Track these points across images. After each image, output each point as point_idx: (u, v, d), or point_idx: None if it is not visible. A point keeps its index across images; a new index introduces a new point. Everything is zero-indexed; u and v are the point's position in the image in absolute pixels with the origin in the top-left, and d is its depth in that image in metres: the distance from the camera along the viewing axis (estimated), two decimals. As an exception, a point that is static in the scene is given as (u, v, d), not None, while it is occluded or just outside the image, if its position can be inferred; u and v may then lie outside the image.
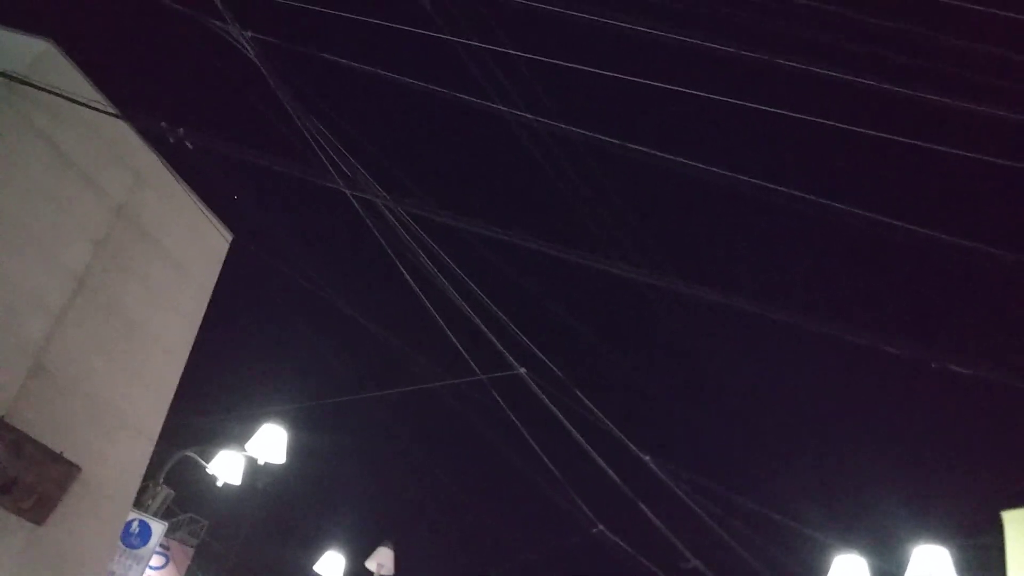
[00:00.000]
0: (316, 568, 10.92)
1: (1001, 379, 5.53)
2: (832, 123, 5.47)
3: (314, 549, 11.27)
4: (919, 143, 5.44)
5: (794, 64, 5.23)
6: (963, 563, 5.89)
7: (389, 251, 7.06)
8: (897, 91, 5.15)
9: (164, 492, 8.52)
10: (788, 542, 8.36)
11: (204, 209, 7.67)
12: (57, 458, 6.18)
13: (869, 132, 5.35)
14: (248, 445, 8.02)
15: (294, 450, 8.50)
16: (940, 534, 5.97)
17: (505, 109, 6.11)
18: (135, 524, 8.13)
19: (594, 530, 9.24)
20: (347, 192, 5.72)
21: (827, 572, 6.33)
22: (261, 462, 8.14)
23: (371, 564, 10.93)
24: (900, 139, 5.45)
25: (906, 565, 5.82)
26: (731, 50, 5.07)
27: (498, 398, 9.00)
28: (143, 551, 8.28)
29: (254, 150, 5.45)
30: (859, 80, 5.19)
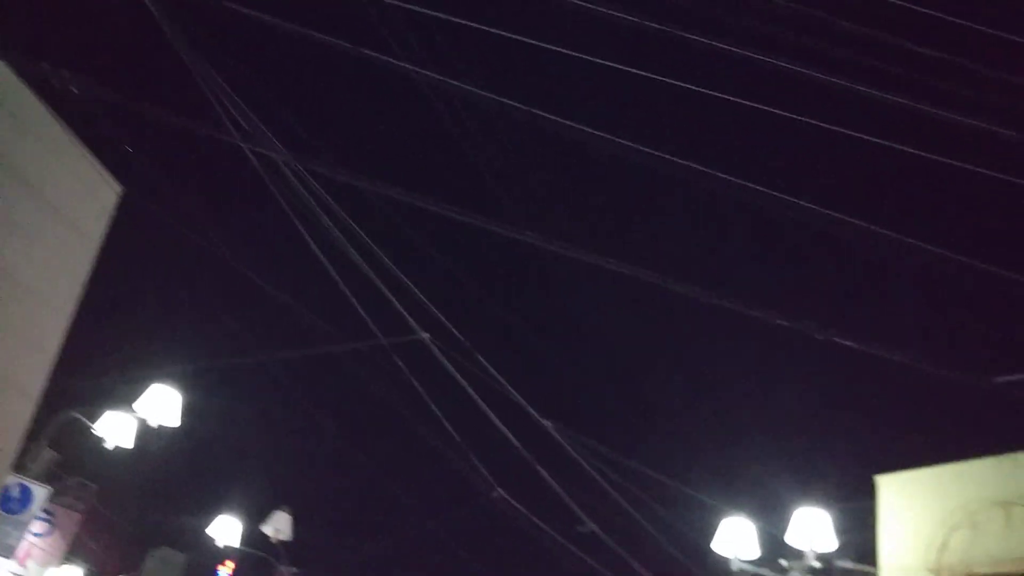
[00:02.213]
0: (209, 531, 10.71)
1: (880, 353, 5.79)
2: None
3: (209, 513, 11.04)
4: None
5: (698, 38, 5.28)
6: (842, 525, 6.19)
7: (288, 210, 6.87)
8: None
9: (48, 455, 8.16)
10: (681, 506, 8.61)
11: (92, 160, 7.28)
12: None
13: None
14: (136, 405, 7.72)
15: (190, 412, 8.25)
16: (821, 498, 6.25)
17: (419, 70, 5.97)
18: (15, 488, 7.79)
19: (494, 494, 9.32)
20: (244, 147, 5.52)
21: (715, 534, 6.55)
22: (154, 424, 7.86)
23: (267, 529, 10.79)
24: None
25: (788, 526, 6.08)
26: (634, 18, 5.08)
27: (400, 363, 8.93)
28: (23, 516, 7.93)
29: (146, 100, 5.19)
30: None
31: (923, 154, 5.60)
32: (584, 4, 5.23)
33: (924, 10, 5.30)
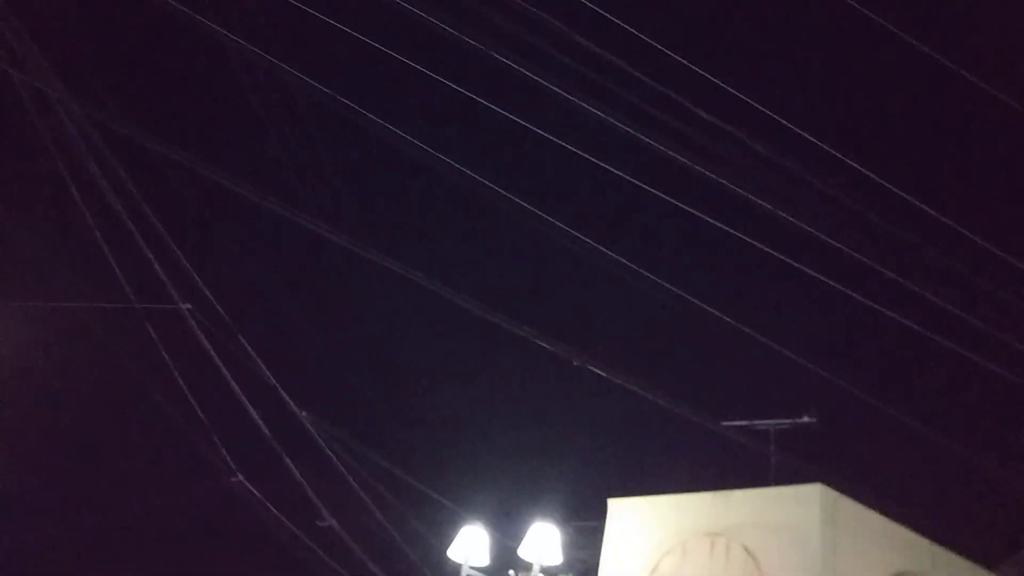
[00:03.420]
0: None
1: (627, 384, 6.27)
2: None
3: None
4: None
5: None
6: (574, 542, 6.61)
7: (53, 149, 6.28)
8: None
9: None
10: (427, 512, 8.77)
11: None
12: None
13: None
14: None
15: None
16: (558, 515, 6.65)
17: (228, 34, 5.69)
18: None
19: (233, 479, 8.97)
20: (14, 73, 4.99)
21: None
22: None
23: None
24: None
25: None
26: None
27: (151, 330, 8.38)
28: None
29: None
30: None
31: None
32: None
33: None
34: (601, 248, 6.15)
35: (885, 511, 5.81)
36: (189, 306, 7.97)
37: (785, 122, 5.86)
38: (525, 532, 6.42)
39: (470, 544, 6.64)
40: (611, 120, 5.55)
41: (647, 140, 5.64)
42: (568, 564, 6.41)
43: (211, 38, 5.81)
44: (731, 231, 6.11)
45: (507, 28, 5.60)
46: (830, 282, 6.09)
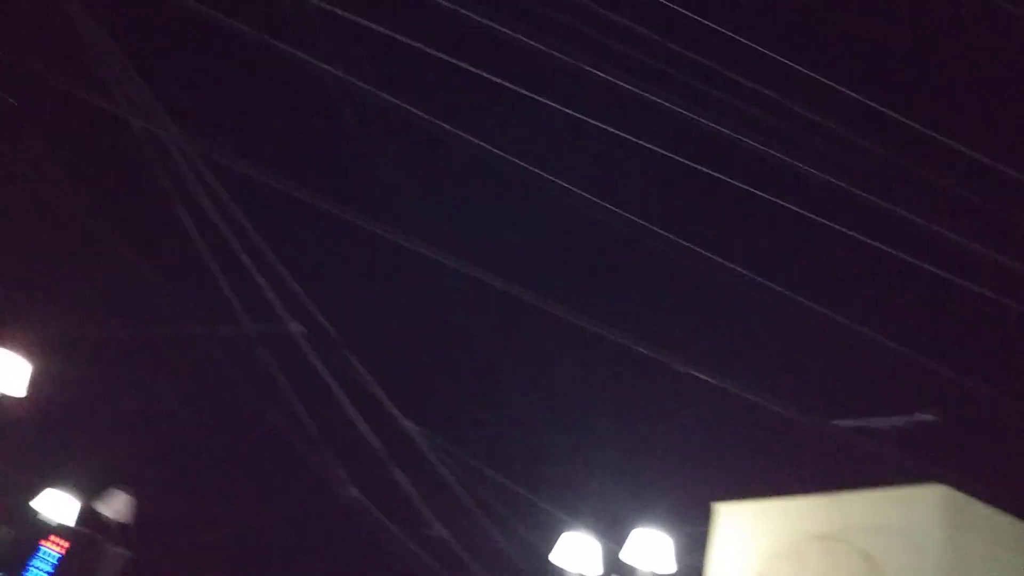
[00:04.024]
0: (35, 505, 10.22)
1: (733, 388, 6.20)
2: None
3: (39, 486, 10.52)
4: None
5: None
6: (684, 547, 6.55)
7: (167, 186, 6.68)
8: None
9: None
10: (533, 520, 8.85)
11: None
12: None
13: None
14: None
15: (37, 382, 7.83)
16: (665, 520, 6.61)
17: (331, 69, 5.96)
18: None
19: (347, 492, 9.29)
20: (129, 118, 5.36)
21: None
22: (-4, 392, 7.44)
23: (106, 509, 10.34)
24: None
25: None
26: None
27: (264, 353, 8.78)
28: None
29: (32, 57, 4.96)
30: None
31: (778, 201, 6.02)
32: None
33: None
34: (700, 250, 6.11)
35: (1020, 514, 5.54)
36: (300, 327, 8.33)
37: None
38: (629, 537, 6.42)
39: (574, 550, 6.68)
40: (719, 127, 5.52)
41: (749, 142, 5.59)
42: (678, 572, 6.36)
43: (312, 72, 6.07)
44: (839, 228, 5.96)
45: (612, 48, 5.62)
46: (946, 275, 5.87)
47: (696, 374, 6.26)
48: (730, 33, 5.62)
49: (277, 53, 5.61)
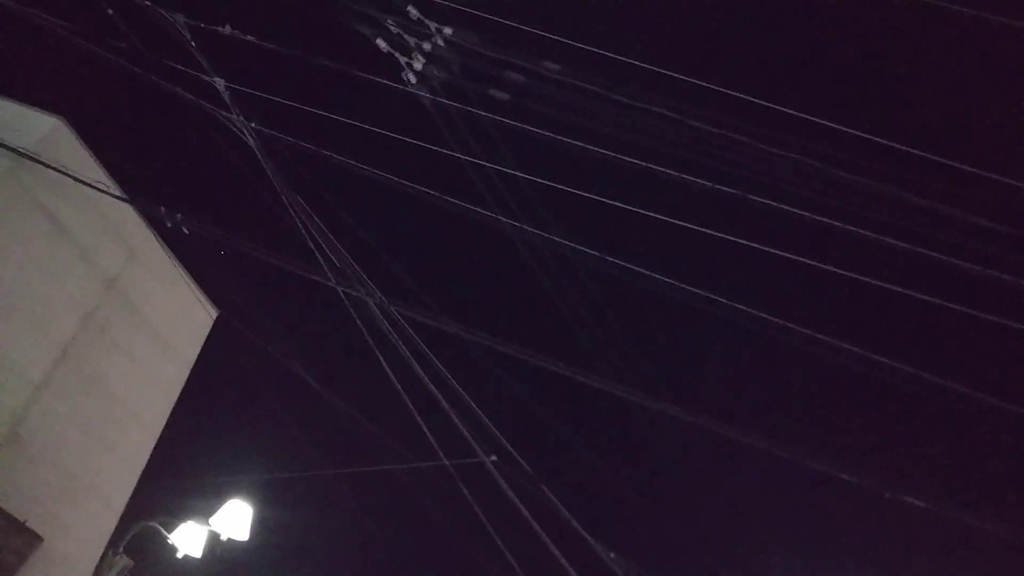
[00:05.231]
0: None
1: (950, 512, 5.79)
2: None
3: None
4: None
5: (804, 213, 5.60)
6: None
7: (370, 340, 7.24)
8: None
9: (123, 562, 8.41)
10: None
11: (192, 285, 7.83)
12: (20, 528, 6.18)
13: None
14: (213, 520, 8.00)
15: (257, 522, 8.47)
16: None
17: (507, 221, 6.40)
18: (88, 594, 8.02)
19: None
20: (336, 286, 5.95)
21: None
22: (224, 538, 8.10)
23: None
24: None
25: None
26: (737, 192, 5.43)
27: (461, 485, 9.08)
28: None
29: (248, 240, 5.67)
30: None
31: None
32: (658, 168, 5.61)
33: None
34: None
35: None
36: (494, 458, 8.58)
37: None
38: None
39: None
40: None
41: (855, 229, 5.46)
42: None
43: (486, 219, 6.51)
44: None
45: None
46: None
47: (910, 500, 5.92)
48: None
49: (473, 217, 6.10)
